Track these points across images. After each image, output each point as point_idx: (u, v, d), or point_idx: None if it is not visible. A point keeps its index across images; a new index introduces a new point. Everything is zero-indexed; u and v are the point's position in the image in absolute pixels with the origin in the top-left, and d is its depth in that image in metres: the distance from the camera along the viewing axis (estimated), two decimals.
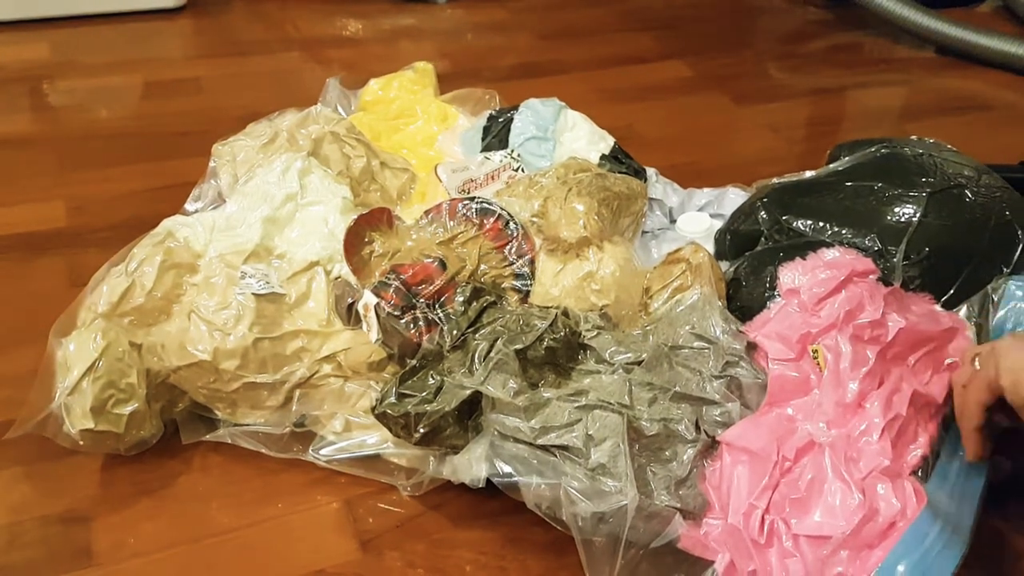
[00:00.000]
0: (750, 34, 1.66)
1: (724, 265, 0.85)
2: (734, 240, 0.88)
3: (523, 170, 0.95)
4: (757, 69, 1.49)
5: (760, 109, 1.35)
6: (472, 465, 0.68)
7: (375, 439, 0.74)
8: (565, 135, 1.02)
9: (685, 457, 0.67)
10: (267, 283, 0.76)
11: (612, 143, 1.01)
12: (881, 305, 0.72)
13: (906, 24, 1.50)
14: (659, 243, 0.95)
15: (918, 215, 0.79)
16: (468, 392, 0.69)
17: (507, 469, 0.66)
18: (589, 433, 0.66)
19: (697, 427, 0.68)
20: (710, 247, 0.91)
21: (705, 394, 0.70)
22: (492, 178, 0.94)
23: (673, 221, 0.99)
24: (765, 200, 0.86)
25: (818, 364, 0.70)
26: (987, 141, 1.20)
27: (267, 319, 0.75)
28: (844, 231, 0.80)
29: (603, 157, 0.98)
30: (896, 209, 0.80)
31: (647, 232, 0.96)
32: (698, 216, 0.97)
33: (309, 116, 0.94)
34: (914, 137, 0.92)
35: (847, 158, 0.92)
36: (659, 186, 1.01)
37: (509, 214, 0.82)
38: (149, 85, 1.31)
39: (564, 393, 0.69)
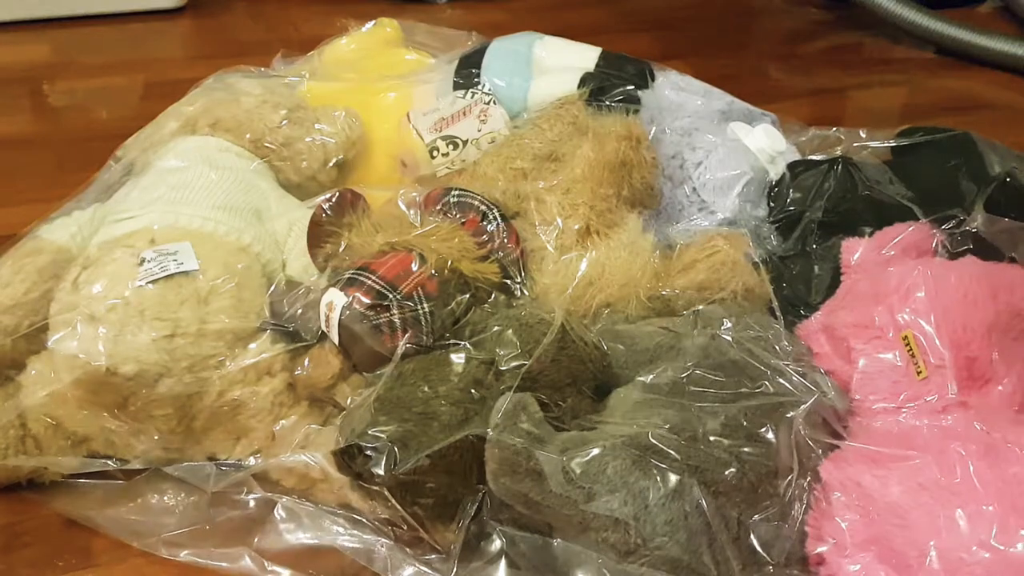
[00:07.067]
0: (750, 34, 1.66)
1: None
2: (799, 190, 0.85)
3: (495, 102, 0.93)
4: (757, 69, 1.49)
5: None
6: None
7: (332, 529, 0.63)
8: (545, 61, 0.98)
9: (787, 495, 0.54)
10: (176, 261, 0.65)
11: (597, 55, 0.96)
12: (970, 263, 0.69)
13: (906, 24, 1.50)
14: (711, 153, 0.84)
15: (991, 193, 0.81)
16: (478, 430, 0.58)
17: None
18: (647, 506, 0.51)
19: (785, 447, 0.56)
20: (776, 171, 0.86)
21: (783, 392, 0.58)
22: (464, 114, 0.92)
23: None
24: (844, 164, 0.85)
25: (910, 350, 0.64)
26: None
27: (171, 311, 0.63)
28: (921, 204, 0.81)
29: (586, 76, 0.93)
30: (972, 186, 0.82)
31: (683, 135, 0.86)
32: (773, 132, 0.85)
33: (205, 87, 0.88)
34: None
35: (918, 136, 0.93)
36: (693, 92, 0.91)
37: (489, 206, 0.76)
38: (149, 85, 1.31)
39: (614, 441, 0.54)
